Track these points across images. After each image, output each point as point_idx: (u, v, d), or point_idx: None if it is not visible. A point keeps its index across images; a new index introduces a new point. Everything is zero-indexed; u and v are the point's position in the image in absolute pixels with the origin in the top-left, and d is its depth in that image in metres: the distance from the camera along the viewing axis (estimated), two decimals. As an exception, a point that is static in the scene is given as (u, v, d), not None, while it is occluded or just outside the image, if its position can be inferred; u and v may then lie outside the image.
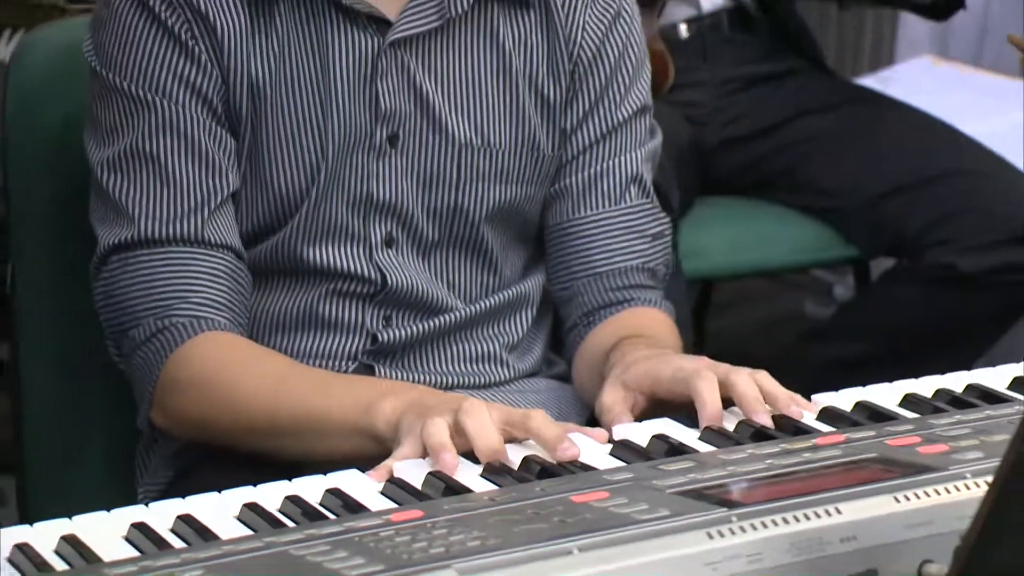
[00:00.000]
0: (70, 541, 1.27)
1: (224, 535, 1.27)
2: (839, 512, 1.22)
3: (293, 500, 1.34)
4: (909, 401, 1.53)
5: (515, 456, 1.43)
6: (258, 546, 1.21)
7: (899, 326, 2.86)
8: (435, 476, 1.38)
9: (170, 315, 1.70)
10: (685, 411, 1.53)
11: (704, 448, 1.44)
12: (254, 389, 1.66)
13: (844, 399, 1.54)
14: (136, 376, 1.73)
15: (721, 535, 1.19)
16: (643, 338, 1.75)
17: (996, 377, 1.59)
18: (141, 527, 1.29)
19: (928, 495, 1.25)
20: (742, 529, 1.20)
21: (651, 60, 1.92)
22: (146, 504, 1.35)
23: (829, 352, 2.92)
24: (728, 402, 1.53)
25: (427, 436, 1.43)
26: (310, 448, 1.61)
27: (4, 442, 2.03)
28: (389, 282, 1.79)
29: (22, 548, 1.26)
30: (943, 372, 1.60)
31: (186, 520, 1.30)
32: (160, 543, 1.27)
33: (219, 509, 1.33)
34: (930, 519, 1.24)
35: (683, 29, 2.98)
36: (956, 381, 1.58)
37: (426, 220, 1.80)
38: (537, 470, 1.40)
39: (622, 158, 1.85)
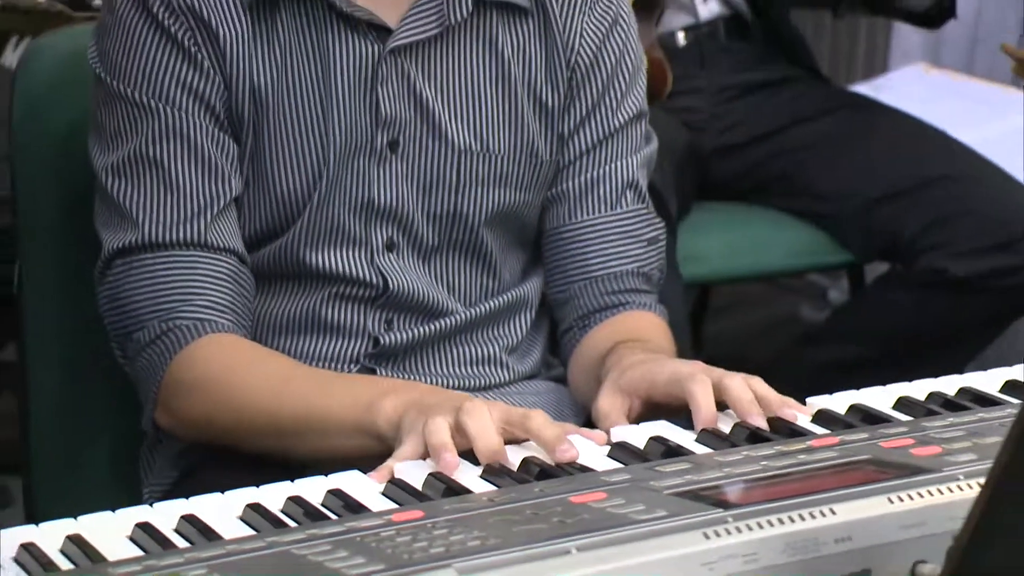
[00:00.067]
0: (75, 541, 1.27)
1: (227, 535, 1.28)
2: (834, 513, 1.23)
3: (295, 500, 1.35)
4: (902, 404, 1.54)
5: (514, 457, 1.43)
6: (261, 546, 1.21)
7: (892, 330, 2.87)
8: (435, 477, 1.39)
9: (174, 318, 1.71)
10: (682, 414, 1.54)
11: (700, 450, 1.44)
12: (257, 390, 1.66)
13: (838, 402, 1.55)
14: (140, 378, 1.74)
15: (717, 535, 1.19)
16: (638, 342, 1.76)
17: (988, 380, 1.59)
18: (145, 527, 1.29)
19: (921, 496, 1.25)
20: (738, 529, 1.20)
21: (650, 68, 1.93)
22: (150, 504, 1.35)
23: (824, 355, 2.93)
24: (722, 406, 1.54)
25: (429, 435, 1.44)
26: (313, 447, 1.62)
27: (10, 443, 2.03)
28: (390, 286, 1.79)
29: (28, 548, 1.26)
30: (936, 375, 1.60)
31: (190, 520, 1.31)
32: (164, 543, 1.27)
33: (222, 509, 1.34)
34: (923, 520, 1.24)
35: (681, 37, 2.99)
36: (949, 384, 1.58)
37: (426, 224, 1.81)
38: (536, 471, 1.40)
39: (618, 163, 1.86)
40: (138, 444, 1.86)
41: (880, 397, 1.56)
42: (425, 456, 1.45)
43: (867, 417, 1.50)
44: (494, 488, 1.36)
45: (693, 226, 2.88)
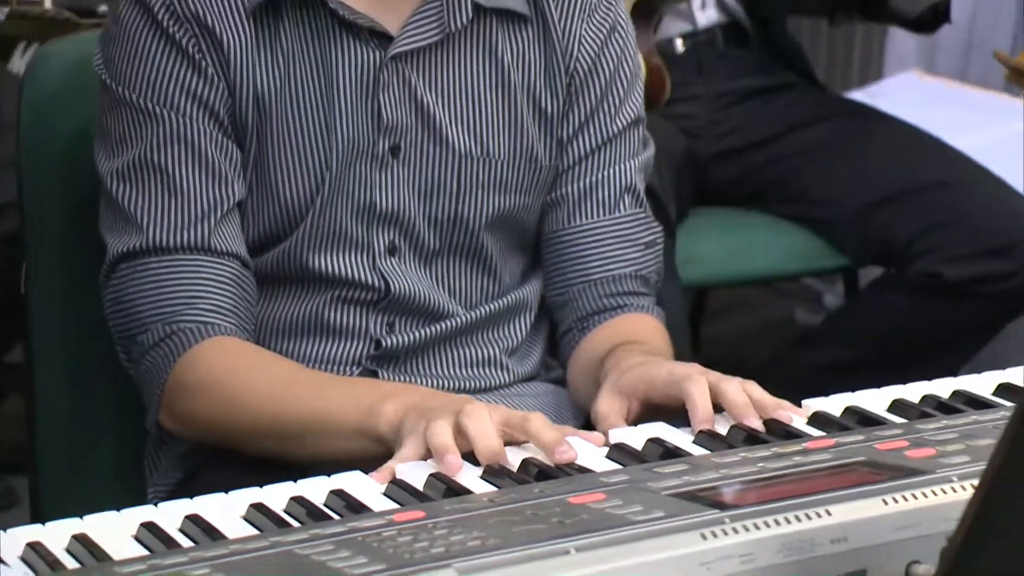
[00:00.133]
0: (81, 540, 1.28)
1: (231, 534, 1.28)
2: (829, 514, 1.23)
3: (298, 501, 1.35)
4: (897, 406, 1.54)
5: (514, 458, 1.44)
6: (264, 545, 1.21)
7: (887, 333, 2.87)
8: (436, 478, 1.39)
9: (177, 321, 1.72)
10: (679, 416, 1.55)
11: (698, 451, 1.45)
12: (260, 393, 1.67)
13: (834, 404, 1.55)
14: (145, 380, 1.75)
15: (714, 536, 1.20)
16: (636, 344, 1.77)
17: (981, 383, 1.60)
18: (150, 526, 1.30)
19: (916, 498, 1.26)
20: (735, 530, 1.20)
21: (649, 74, 1.94)
22: (155, 504, 1.36)
23: (819, 358, 2.93)
24: (719, 409, 1.54)
25: (431, 437, 1.45)
26: (315, 450, 1.62)
27: (17, 443, 2.04)
28: (392, 289, 1.80)
29: (34, 547, 1.27)
30: (930, 378, 1.60)
31: (194, 520, 1.31)
32: (169, 542, 1.28)
33: (226, 509, 1.34)
34: (918, 521, 1.25)
35: (679, 44, 2.99)
36: (943, 387, 1.58)
37: (427, 229, 1.82)
38: (535, 472, 1.41)
39: (616, 168, 1.87)
40: (143, 445, 1.87)
41: (875, 399, 1.56)
42: (426, 457, 1.46)
43: (862, 419, 1.51)
44: (494, 489, 1.37)
45: (691, 230, 2.89)
